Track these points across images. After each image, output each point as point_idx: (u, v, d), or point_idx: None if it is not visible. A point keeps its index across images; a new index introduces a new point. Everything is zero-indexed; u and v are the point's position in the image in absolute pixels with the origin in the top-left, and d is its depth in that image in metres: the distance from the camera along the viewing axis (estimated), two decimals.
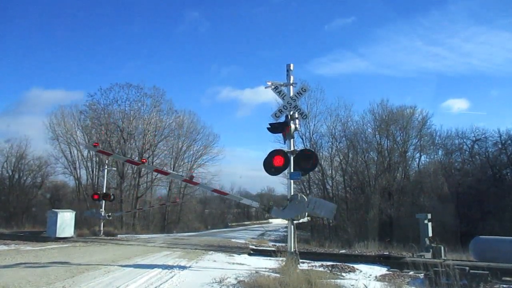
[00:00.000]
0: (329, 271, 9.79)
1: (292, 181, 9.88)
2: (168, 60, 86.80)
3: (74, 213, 19.68)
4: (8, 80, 70.51)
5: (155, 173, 36.73)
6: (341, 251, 15.38)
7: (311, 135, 32.44)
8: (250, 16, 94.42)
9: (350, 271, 9.82)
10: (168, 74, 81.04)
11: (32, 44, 77.86)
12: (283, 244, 15.77)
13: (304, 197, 9.26)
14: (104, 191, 23.67)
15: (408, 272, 9.42)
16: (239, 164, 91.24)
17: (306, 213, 9.55)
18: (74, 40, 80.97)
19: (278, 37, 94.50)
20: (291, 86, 10.03)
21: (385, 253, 13.61)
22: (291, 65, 10.13)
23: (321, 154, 30.87)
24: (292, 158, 9.53)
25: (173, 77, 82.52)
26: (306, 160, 9.55)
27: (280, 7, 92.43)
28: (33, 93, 71.73)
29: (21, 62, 74.36)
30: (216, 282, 7.52)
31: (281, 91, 9.99)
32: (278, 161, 9.45)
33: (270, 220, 50.31)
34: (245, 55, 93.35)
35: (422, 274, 8.48)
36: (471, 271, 7.42)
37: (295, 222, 9.49)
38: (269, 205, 9.77)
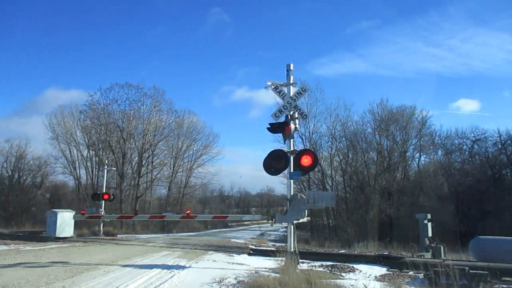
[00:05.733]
0: (328, 271, 9.79)
1: (292, 181, 9.86)
2: (173, 61, 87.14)
3: (73, 213, 19.67)
4: (23, 81, 70.96)
5: (155, 173, 36.93)
6: (340, 251, 15.39)
7: (311, 135, 32.41)
8: (257, 18, 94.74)
9: (349, 271, 9.82)
10: (170, 74, 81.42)
11: (47, 44, 78.42)
12: (283, 244, 15.77)
13: (303, 196, 9.25)
14: (104, 191, 23.67)
15: (408, 272, 9.41)
16: (242, 164, 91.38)
17: (306, 212, 9.55)
18: (86, 41, 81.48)
19: (282, 38, 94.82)
20: (291, 86, 9.99)
21: (384, 253, 13.61)
22: (291, 65, 10.07)
23: (321, 154, 30.80)
24: (292, 158, 9.51)
25: (175, 78, 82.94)
26: (305, 160, 9.53)
27: (297, 9, 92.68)
28: (48, 93, 72.02)
29: (36, 62, 74.78)
30: (215, 282, 7.52)
31: (281, 91, 9.96)
32: (278, 161, 9.43)
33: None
34: (252, 56, 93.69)
35: (422, 274, 8.48)
36: (470, 271, 7.42)
37: (295, 222, 9.50)
38: (271, 214, 9.85)
